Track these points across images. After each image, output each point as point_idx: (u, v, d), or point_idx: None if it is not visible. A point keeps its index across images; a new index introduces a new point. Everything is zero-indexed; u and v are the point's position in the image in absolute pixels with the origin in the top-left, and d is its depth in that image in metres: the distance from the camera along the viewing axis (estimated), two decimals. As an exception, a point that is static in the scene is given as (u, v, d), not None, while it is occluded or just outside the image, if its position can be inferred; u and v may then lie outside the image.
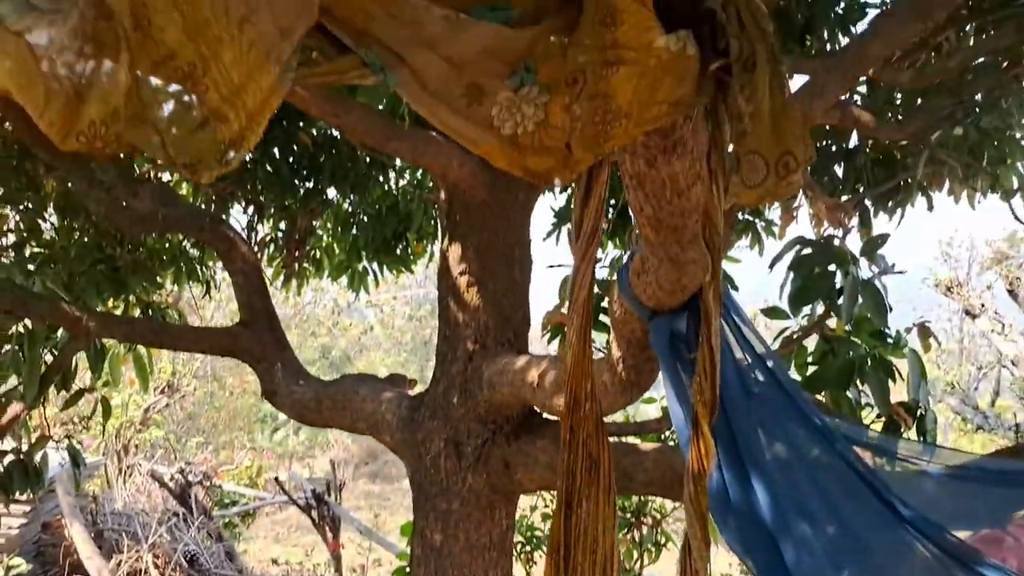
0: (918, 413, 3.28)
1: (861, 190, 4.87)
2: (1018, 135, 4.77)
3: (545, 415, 3.25)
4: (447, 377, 3.25)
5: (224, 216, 4.75)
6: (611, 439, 3.23)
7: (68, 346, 3.49)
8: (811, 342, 3.45)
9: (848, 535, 1.55)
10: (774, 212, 5.22)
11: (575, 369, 1.07)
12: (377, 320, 22.54)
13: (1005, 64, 3.45)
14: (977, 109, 4.54)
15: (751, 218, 5.46)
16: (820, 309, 3.36)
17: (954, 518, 1.84)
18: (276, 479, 9.11)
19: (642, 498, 5.17)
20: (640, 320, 1.78)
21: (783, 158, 0.78)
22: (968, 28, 3.52)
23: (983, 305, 10.70)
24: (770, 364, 1.63)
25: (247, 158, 4.58)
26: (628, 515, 5.24)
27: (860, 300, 3.26)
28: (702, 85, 0.85)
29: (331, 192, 6.02)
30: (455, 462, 3.20)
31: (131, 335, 3.40)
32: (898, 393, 3.29)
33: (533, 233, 3.48)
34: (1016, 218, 4.31)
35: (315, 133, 4.48)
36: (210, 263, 5.64)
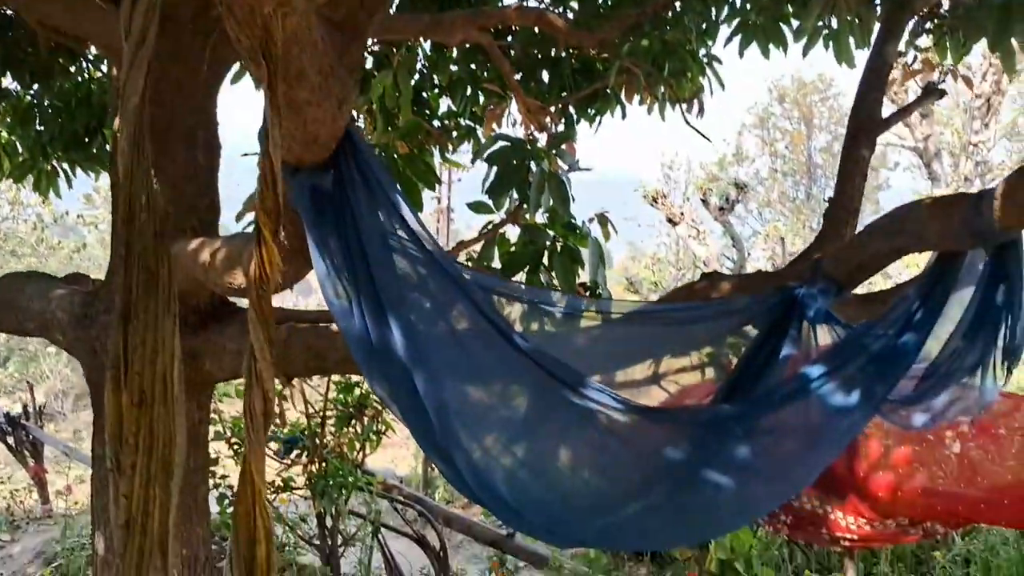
0: (598, 292, 3.66)
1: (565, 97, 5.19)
2: (700, 50, 5.29)
3: (235, 304, 3.17)
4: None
5: None
6: (304, 324, 3.23)
7: None
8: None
9: (474, 367, 1.71)
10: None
11: (126, 179, 1.04)
12: (96, 239, 20.45)
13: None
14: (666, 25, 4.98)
15: (471, 123, 5.60)
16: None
17: (606, 359, 2.07)
18: (-44, 405, 8.06)
19: (363, 391, 5.28)
20: (290, 180, 1.76)
21: None
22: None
23: (682, 214, 12.00)
24: (406, 217, 1.70)
25: None
26: (350, 408, 5.35)
27: (547, 192, 3.54)
28: None
29: (8, 82, 5.28)
30: (137, 357, 3.03)
31: None
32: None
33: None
34: (687, 123, 4.82)
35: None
36: None
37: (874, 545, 6.14)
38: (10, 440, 7.57)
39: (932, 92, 2.84)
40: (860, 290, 2.38)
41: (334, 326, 3.17)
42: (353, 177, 1.68)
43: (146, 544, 1.37)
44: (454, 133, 5.53)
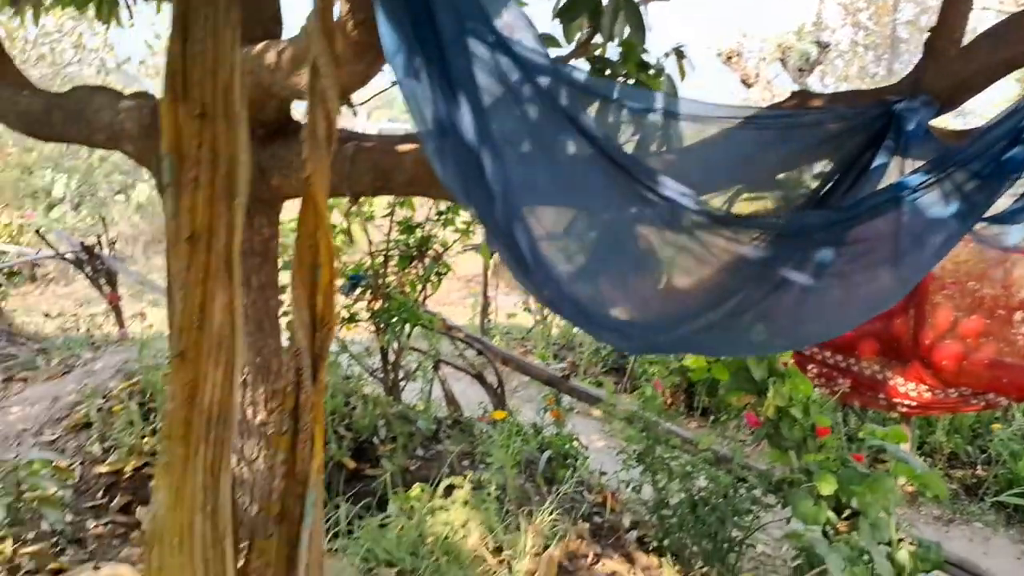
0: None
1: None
2: None
3: (302, 122, 3.15)
4: (192, 79, 3.00)
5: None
6: (370, 143, 3.17)
7: None
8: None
9: (545, 153, 1.64)
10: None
11: None
12: (158, 90, 20.46)
13: None
14: None
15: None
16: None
17: (696, 172, 1.95)
18: (38, 231, 8.40)
19: (424, 233, 5.31)
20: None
21: None
22: None
23: (757, 75, 11.40)
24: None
25: None
26: (412, 249, 5.39)
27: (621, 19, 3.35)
28: None
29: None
30: (206, 169, 3.05)
31: None
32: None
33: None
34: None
35: None
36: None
37: (932, 413, 6.11)
38: (87, 269, 7.92)
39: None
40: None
41: (401, 147, 3.12)
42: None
43: (212, 261, 1.37)
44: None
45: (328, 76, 1.10)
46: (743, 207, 2.19)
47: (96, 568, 2.83)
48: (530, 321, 9.57)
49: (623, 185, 1.67)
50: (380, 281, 5.29)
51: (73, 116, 3.21)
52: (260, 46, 2.59)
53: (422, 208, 5.45)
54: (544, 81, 1.66)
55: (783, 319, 1.79)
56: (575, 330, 9.26)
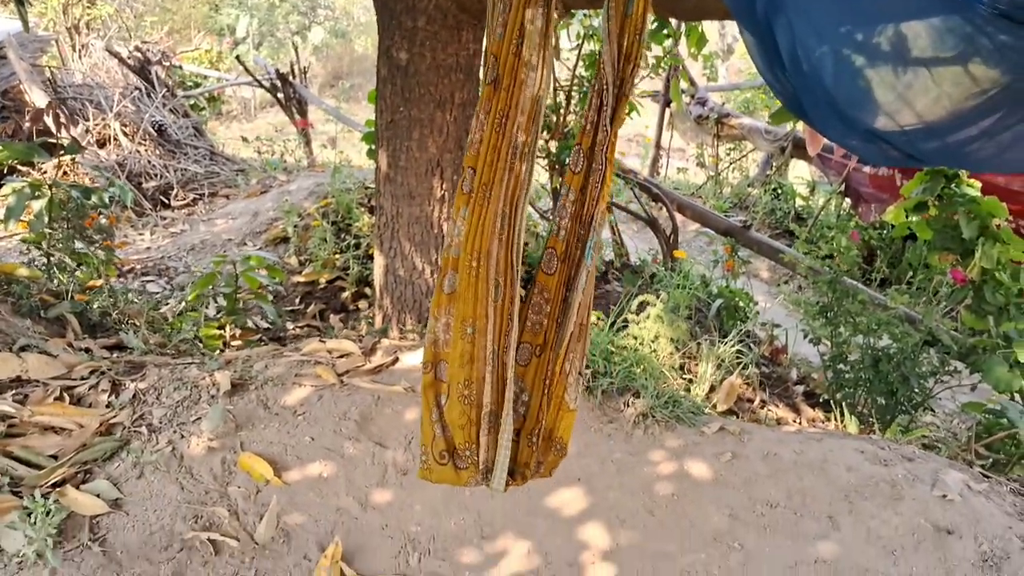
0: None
1: None
2: None
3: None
4: None
5: None
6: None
7: None
8: None
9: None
10: None
11: None
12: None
13: None
14: None
15: None
16: None
17: None
18: (238, 57, 8.84)
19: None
20: None
21: None
22: None
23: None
24: None
25: None
26: (594, 88, 5.25)
27: None
28: None
29: None
30: (421, -24, 3.06)
31: None
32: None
33: None
34: None
35: None
36: None
37: None
38: (280, 95, 8.32)
39: None
40: None
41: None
42: None
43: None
44: None
45: None
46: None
47: (322, 341, 3.14)
48: (701, 178, 9.27)
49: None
50: (560, 119, 5.25)
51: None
52: None
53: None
54: None
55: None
56: (749, 188, 8.91)
